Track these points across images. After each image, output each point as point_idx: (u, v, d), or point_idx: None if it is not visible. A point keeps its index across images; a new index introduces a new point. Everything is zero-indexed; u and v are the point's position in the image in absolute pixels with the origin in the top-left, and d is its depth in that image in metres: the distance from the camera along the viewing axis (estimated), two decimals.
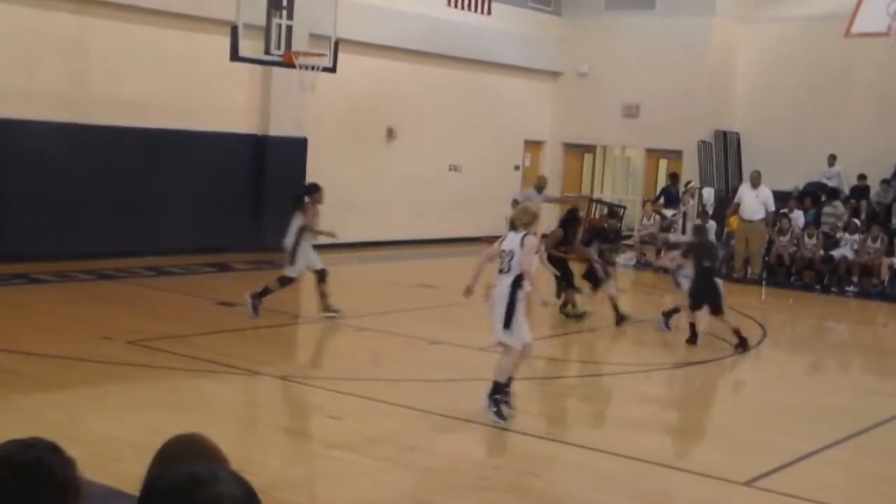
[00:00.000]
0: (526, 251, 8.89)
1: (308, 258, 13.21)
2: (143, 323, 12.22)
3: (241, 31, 14.98)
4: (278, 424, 8.64)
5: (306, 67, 15.66)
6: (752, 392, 11.95)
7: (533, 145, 25.97)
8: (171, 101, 17.77)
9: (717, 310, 12.83)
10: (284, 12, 15.48)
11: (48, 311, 12.84)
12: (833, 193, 21.38)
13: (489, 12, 23.47)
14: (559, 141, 26.13)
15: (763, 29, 23.86)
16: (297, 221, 13.16)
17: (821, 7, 22.67)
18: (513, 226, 9.17)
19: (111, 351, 10.62)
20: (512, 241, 8.99)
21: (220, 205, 18.65)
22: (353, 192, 20.74)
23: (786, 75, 23.42)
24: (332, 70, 16.04)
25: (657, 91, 23.89)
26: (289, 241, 13.17)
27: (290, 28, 15.54)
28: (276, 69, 17.27)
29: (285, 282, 13.06)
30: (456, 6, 22.90)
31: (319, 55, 15.80)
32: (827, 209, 20.89)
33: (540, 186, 19.01)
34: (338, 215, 20.54)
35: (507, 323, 8.77)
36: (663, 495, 7.61)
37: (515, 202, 15.92)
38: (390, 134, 22.05)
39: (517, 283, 8.81)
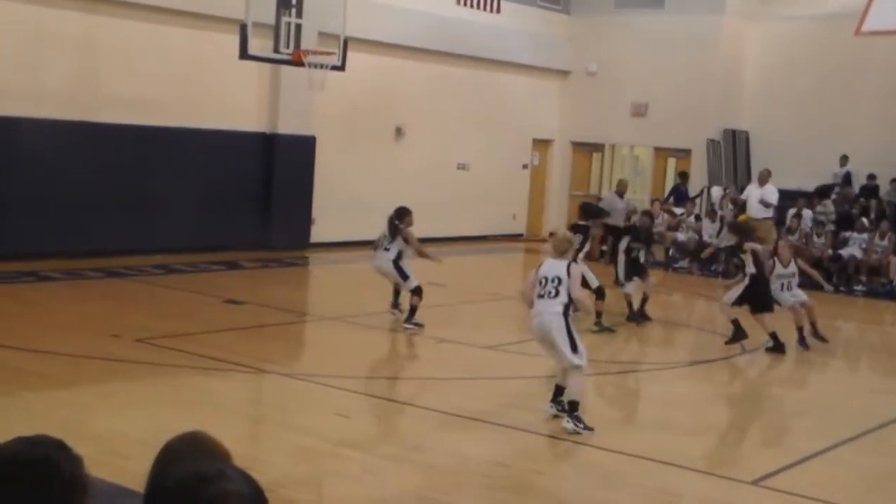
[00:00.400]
0: (574, 279, 8.99)
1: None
2: (151, 321, 12.24)
3: (250, 29, 14.99)
4: (285, 422, 8.65)
5: (315, 66, 15.67)
6: (760, 391, 11.95)
7: (541, 144, 25.96)
8: (179, 99, 17.79)
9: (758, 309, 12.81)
10: (293, 10, 15.49)
11: (56, 309, 12.87)
12: (824, 192, 21.36)
13: (498, 10, 23.46)
14: (568, 139, 26.11)
15: (773, 27, 23.81)
16: (396, 245, 13.20)
17: (831, 5, 22.62)
18: (556, 252, 9.21)
19: (119, 349, 10.65)
20: (557, 267, 9.04)
21: (228, 203, 18.67)
22: (361, 190, 20.75)
23: (795, 73, 23.37)
24: (341, 68, 16.05)
25: (666, 89, 23.85)
26: (386, 265, 13.22)
27: (298, 26, 15.55)
28: (284, 67, 17.28)
29: (419, 291, 13.16)
30: (465, 4, 22.90)
31: (328, 53, 15.81)
32: (818, 208, 20.90)
33: (621, 191, 18.85)
34: (346, 214, 20.61)
35: (574, 347, 8.91)
36: (670, 494, 7.60)
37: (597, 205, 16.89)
38: (398, 132, 22.06)
39: (567, 309, 8.92)
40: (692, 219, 21.76)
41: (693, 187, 23.20)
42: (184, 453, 2.89)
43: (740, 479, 7.78)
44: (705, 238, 20.73)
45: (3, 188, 15.44)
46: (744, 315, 12.92)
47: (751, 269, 12.77)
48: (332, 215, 20.37)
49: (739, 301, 12.82)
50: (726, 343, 12.78)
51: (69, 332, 11.36)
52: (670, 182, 24.41)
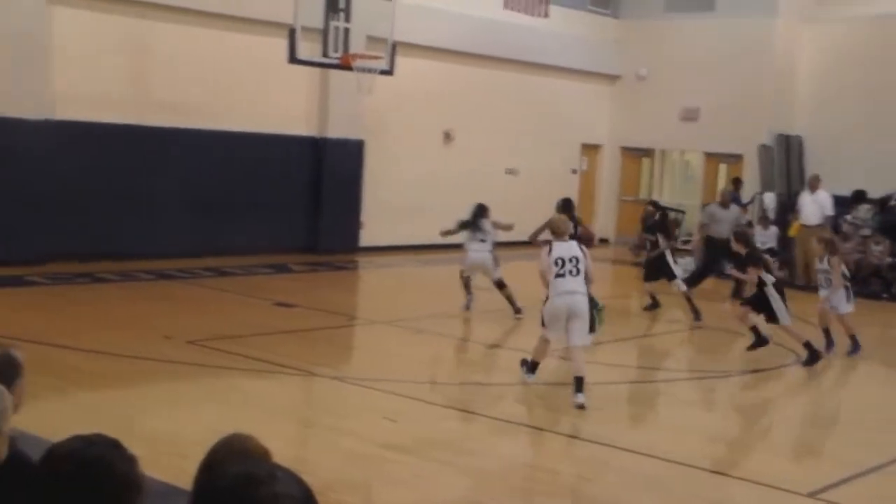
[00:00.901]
0: (588, 256, 9.72)
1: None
2: (203, 323, 12.33)
3: (299, 33, 15.07)
4: (334, 425, 8.67)
5: (363, 70, 15.72)
6: (816, 401, 11.76)
7: (590, 149, 25.83)
8: (229, 104, 17.94)
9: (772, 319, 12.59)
10: (342, 15, 15.56)
11: (110, 310, 13.01)
12: (860, 197, 20.99)
13: (546, 15, 23.35)
14: (617, 144, 25.96)
15: (828, 28, 23.45)
16: (490, 237, 14.33)
17: (888, 5, 22.25)
18: (559, 235, 9.92)
19: (171, 350, 10.74)
20: (570, 248, 9.75)
21: (278, 207, 18.79)
22: (410, 194, 20.79)
23: (851, 76, 22.98)
24: (390, 72, 16.09)
25: (717, 94, 23.62)
26: (487, 257, 14.18)
27: (347, 31, 15.62)
28: (333, 71, 17.36)
29: (503, 285, 14.14)
30: (513, 8, 22.83)
31: (376, 57, 15.85)
32: (853, 213, 20.56)
33: (725, 202, 18.42)
34: (395, 217, 20.65)
35: (592, 327, 9.76)
36: None
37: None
38: (447, 136, 22.06)
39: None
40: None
41: (745, 193, 22.96)
42: (230, 455, 2.91)
43: (796, 490, 7.63)
44: (758, 244, 20.46)
45: (59, 191, 15.66)
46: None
47: (769, 278, 12.56)
48: (381, 219, 20.42)
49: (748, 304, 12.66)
50: (748, 349, 12.56)
51: (123, 332, 11.47)
52: (721, 187, 24.14)
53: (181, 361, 10.32)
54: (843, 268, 13.22)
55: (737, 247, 12.86)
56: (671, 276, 15.19)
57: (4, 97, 15.13)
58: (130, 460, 2.52)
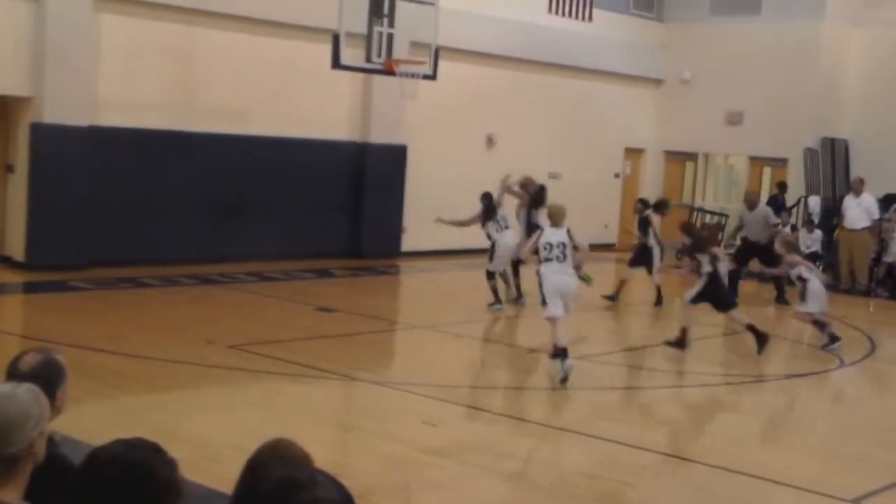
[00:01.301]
0: (575, 238, 10.84)
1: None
2: (244, 327, 12.41)
3: (342, 38, 15.13)
4: (374, 429, 8.69)
5: (407, 75, 15.75)
6: (860, 406, 11.60)
7: (634, 153, 25.71)
8: (272, 109, 18.05)
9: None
10: (385, 20, 15.59)
11: (153, 314, 13.12)
12: (894, 199, 20.65)
13: (590, 19, 23.30)
14: (660, 148, 25.82)
15: (877, 32, 23.14)
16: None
17: None
18: (555, 222, 11.02)
19: (212, 354, 10.81)
20: (558, 234, 10.81)
21: (319, 211, 18.87)
22: (453, 199, 20.75)
23: None
24: (433, 77, 16.11)
25: (762, 97, 23.42)
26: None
27: (390, 36, 15.65)
28: (376, 76, 17.41)
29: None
30: (556, 13, 22.79)
31: (420, 63, 15.88)
32: (886, 214, 20.22)
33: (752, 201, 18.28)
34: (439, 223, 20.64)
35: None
36: None
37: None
38: (489, 141, 22.05)
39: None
40: (788, 229, 21.30)
41: (789, 197, 22.73)
42: (273, 459, 2.94)
43: (840, 497, 7.54)
44: (802, 248, 20.27)
45: (102, 196, 15.83)
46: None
47: (707, 268, 12.50)
48: (423, 224, 20.41)
49: (698, 300, 12.56)
50: (666, 343, 12.45)
51: (165, 336, 11.58)
52: (766, 192, 23.93)
53: (222, 366, 10.39)
54: None
55: (684, 238, 13.09)
56: (650, 267, 15.95)
57: (52, 104, 15.34)
58: (171, 464, 2.55)
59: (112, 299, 14.01)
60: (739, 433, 9.51)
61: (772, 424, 10.36)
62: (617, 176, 25.25)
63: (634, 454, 8.45)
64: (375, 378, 10.57)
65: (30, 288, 14.61)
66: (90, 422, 6.74)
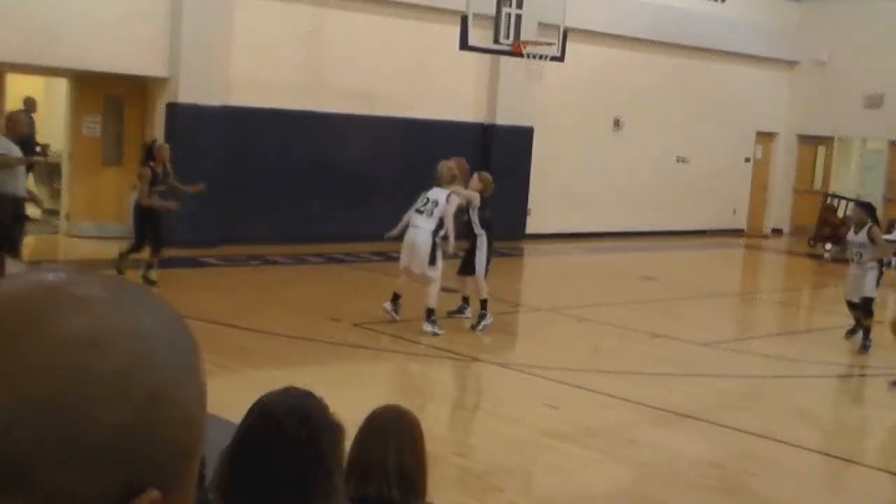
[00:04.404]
0: (450, 205, 10.96)
1: None
2: (369, 306, 12.53)
3: (470, 20, 15.14)
4: (495, 411, 8.70)
5: (534, 56, 15.68)
6: None
7: (765, 137, 25.08)
8: (401, 90, 18.18)
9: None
10: (514, 1, 15.54)
11: (281, 292, 13.38)
12: None
13: (723, 0, 22.79)
14: (794, 133, 25.12)
15: None
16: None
17: None
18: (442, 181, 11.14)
19: (338, 332, 10.97)
20: (438, 193, 11.05)
21: None
22: (578, 182, 20.65)
23: None
24: (560, 59, 15.99)
25: None
26: None
27: (518, 17, 15.60)
28: (503, 58, 17.38)
29: None
30: None
31: (547, 44, 15.79)
32: None
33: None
34: (564, 206, 20.56)
35: (433, 260, 10.98)
36: None
37: None
38: (616, 124, 21.79)
39: (437, 230, 11.03)
40: None
41: None
42: (386, 426, 3.10)
43: None
44: None
45: (233, 174, 16.21)
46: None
47: (478, 229, 11.96)
48: (548, 206, 20.34)
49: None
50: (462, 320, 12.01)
51: (291, 313, 11.80)
52: None
53: (347, 344, 10.54)
54: None
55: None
56: None
57: (187, 84, 15.77)
58: (327, 408, 2.75)
59: (241, 276, 14.35)
60: (866, 425, 9.21)
61: None
62: (747, 160, 24.68)
63: (761, 444, 8.26)
64: (498, 359, 10.58)
65: (163, 263, 15.04)
66: (220, 396, 6.90)
